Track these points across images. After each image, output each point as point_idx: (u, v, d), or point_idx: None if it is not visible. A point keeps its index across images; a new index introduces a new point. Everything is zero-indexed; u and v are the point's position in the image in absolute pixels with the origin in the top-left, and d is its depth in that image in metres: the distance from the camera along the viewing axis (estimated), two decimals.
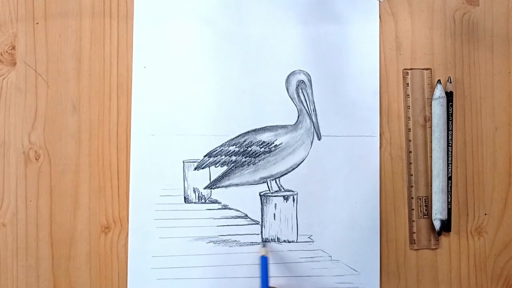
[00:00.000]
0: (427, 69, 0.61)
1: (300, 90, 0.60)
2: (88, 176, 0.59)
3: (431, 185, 0.61)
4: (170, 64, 0.60)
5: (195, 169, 0.60)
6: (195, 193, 0.60)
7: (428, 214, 0.61)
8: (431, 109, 0.61)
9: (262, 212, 0.60)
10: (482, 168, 0.61)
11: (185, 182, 0.59)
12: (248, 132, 0.60)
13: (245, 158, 0.60)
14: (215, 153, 0.60)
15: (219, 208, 0.60)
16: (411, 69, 0.61)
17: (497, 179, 0.61)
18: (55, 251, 0.59)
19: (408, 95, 0.61)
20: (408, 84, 0.61)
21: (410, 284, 0.60)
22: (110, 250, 0.59)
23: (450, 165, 0.60)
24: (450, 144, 0.61)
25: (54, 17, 0.60)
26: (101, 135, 0.59)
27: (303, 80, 0.60)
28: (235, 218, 0.60)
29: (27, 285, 0.58)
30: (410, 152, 0.61)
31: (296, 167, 0.60)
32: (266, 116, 0.60)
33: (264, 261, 0.56)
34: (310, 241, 0.60)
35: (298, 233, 0.60)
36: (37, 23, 0.60)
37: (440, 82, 0.61)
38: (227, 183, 0.60)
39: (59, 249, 0.59)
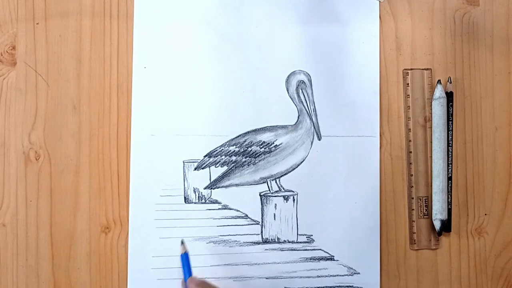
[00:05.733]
0: (427, 69, 0.61)
1: (300, 90, 0.60)
2: (88, 176, 0.59)
3: (431, 185, 0.61)
4: (170, 64, 0.60)
5: (195, 169, 0.60)
6: (195, 193, 0.60)
7: (428, 214, 0.61)
8: (431, 109, 0.61)
9: (262, 212, 0.60)
10: (482, 168, 0.61)
11: (185, 182, 0.59)
12: (248, 132, 0.60)
13: (245, 158, 0.60)
14: (215, 153, 0.60)
15: (219, 208, 0.60)
16: (411, 69, 0.61)
17: (497, 179, 0.61)
18: (55, 251, 0.59)
19: (408, 95, 0.61)
20: (408, 84, 0.61)
21: (410, 284, 0.60)
22: (110, 250, 0.59)
23: (450, 165, 0.60)
24: (450, 144, 0.61)
25: (54, 17, 0.60)
26: (101, 135, 0.59)
27: (303, 80, 0.60)
28: (235, 218, 0.60)
29: (27, 285, 0.58)
30: (410, 152, 0.61)
31: (296, 167, 0.60)
32: (266, 116, 0.60)
33: (185, 258, 0.56)
34: (310, 241, 0.60)
35: (298, 233, 0.60)
36: (37, 23, 0.60)
37: (440, 82, 0.61)
38: (227, 183, 0.60)
39: (59, 249, 0.59)
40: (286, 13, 0.61)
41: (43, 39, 0.60)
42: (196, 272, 0.58)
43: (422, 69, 0.62)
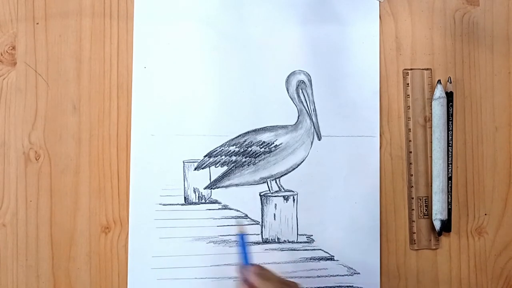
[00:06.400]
0: (427, 69, 0.61)
1: (300, 90, 0.60)
2: (88, 176, 0.59)
3: (431, 185, 0.60)
4: (170, 64, 0.60)
5: (195, 169, 0.60)
6: (195, 193, 0.60)
7: (428, 214, 0.61)
8: (431, 109, 0.61)
9: (262, 212, 0.60)
10: (482, 168, 0.61)
11: (185, 182, 0.59)
12: (248, 132, 0.60)
13: (245, 158, 0.60)
14: (215, 153, 0.60)
15: (219, 208, 0.60)
16: (411, 69, 0.61)
17: (497, 179, 0.61)
18: (55, 252, 0.59)
19: (408, 95, 0.61)
20: (408, 84, 0.61)
21: (410, 284, 0.60)
22: (110, 250, 0.59)
23: (450, 165, 0.60)
24: (450, 144, 0.61)
25: (54, 17, 0.60)
26: (101, 135, 0.59)
27: (303, 80, 0.60)
28: (235, 218, 0.60)
29: (27, 285, 0.58)
30: (410, 152, 0.61)
31: (296, 167, 0.60)
32: (266, 116, 0.60)
33: (241, 240, 0.56)
34: (310, 241, 0.60)
35: (298, 233, 0.60)
36: (37, 23, 0.60)
37: (440, 82, 0.61)
38: (227, 183, 0.60)
39: (59, 249, 0.59)
40: (286, 13, 0.61)
41: (43, 39, 0.59)
42: (197, 272, 0.58)
43: (422, 69, 0.61)
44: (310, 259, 0.60)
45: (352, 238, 0.60)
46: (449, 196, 0.60)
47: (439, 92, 0.60)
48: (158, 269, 0.58)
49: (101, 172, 0.59)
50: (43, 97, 0.59)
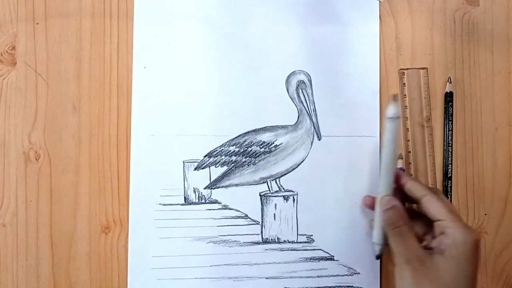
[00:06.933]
0: (423, 68, 0.61)
1: (300, 90, 0.60)
2: (88, 176, 0.59)
3: (430, 185, 0.60)
4: (170, 64, 0.60)
5: (195, 169, 0.60)
6: (195, 193, 0.60)
7: None
8: (429, 109, 0.61)
9: (262, 212, 0.60)
10: (482, 168, 0.61)
11: (185, 182, 0.59)
12: (248, 132, 0.60)
13: (245, 158, 0.60)
14: (215, 153, 0.60)
15: (219, 208, 0.60)
16: (407, 69, 0.61)
17: (497, 179, 0.61)
18: (55, 251, 0.59)
19: (405, 95, 0.61)
20: (404, 84, 0.61)
21: None
22: (110, 250, 0.59)
23: (450, 165, 0.60)
24: (450, 144, 0.61)
25: (54, 17, 0.60)
26: (101, 135, 0.59)
27: (303, 80, 0.60)
28: (235, 218, 0.60)
29: (27, 285, 0.58)
30: (409, 152, 0.61)
31: (296, 167, 0.60)
32: (266, 116, 0.60)
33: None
34: (310, 241, 0.60)
35: (298, 233, 0.60)
36: (37, 23, 0.60)
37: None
38: (227, 183, 0.60)
39: (59, 249, 0.59)
40: (286, 13, 0.61)
41: (43, 39, 0.60)
42: (197, 272, 0.58)
43: (418, 69, 0.61)
44: (310, 259, 0.60)
45: (352, 238, 0.60)
46: (449, 196, 0.60)
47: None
48: (158, 269, 0.59)
49: (101, 172, 0.59)
50: (43, 97, 0.59)
